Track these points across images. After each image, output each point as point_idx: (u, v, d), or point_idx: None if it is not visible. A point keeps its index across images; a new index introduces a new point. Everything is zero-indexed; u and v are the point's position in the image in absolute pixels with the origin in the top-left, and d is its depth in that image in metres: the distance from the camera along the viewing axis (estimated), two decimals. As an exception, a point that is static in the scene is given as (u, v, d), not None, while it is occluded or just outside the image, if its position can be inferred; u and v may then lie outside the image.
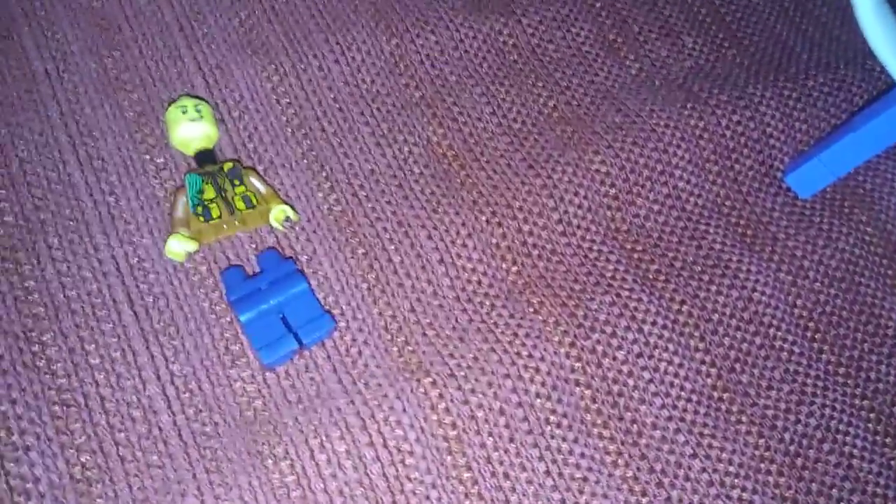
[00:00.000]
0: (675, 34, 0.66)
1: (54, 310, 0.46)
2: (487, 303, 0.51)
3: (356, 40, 0.59)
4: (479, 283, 0.52)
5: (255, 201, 0.48)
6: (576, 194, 0.55)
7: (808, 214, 0.58)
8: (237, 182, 0.48)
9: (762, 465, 0.49)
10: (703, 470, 0.48)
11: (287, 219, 0.49)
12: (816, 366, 0.53)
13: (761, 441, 0.50)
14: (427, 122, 0.57)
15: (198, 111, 0.49)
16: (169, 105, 0.50)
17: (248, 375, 0.46)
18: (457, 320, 0.50)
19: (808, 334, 0.54)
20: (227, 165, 0.49)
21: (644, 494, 0.47)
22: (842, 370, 0.53)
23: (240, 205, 0.47)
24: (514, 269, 0.52)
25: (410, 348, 0.49)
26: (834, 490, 0.49)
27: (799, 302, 0.54)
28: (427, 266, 0.51)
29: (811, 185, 0.58)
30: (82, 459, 0.43)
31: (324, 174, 0.53)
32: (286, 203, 0.49)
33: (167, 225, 0.49)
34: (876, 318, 0.55)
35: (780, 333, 0.53)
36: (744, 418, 0.50)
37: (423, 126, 0.57)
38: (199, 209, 0.47)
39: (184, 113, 0.49)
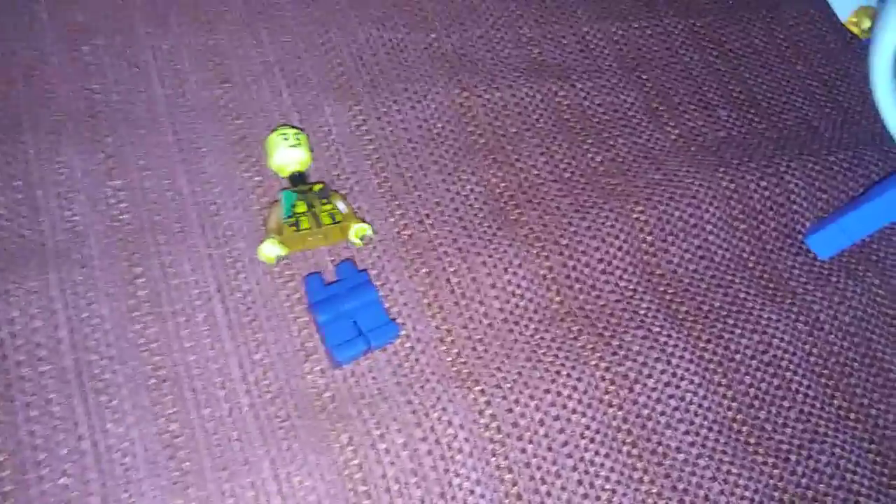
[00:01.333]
0: (711, 107, 0.73)
1: (156, 297, 0.52)
2: (532, 326, 0.57)
3: (430, 91, 0.67)
4: (526, 308, 0.58)
5: (338, 218, 0.55)
6: (616, 238, 0.62)
7: (825, 274, 0.64)
8: (325, 201, 0.55)
9: (775, 494, 0.54)
10: (722, 493, 0.53)
11: (364, 236, 0.55)
12: (828, 409, 0.58)
13: (776, 472, 0.54)
14: (488, 167, 0.64)
15: (297, 139, 0.57)
16: (271, 133, 0.58)
17: (319, 370, 0.52)
18: (504, 339, 0.56)
19: (822, 380, 0.59)
20: (318, 186, 0.56)
21: (665, 510, 0.52)
22: (852, 415, 0.58)
23: (326, 220, 0.54)
24: (558, 298, 0.59)
25: (462, 360, 0.55)
26: (841, 523, 0.53)
27: (815, 350, 0.60)
28: (481, 289, 0.58)
29: (829, 248, 0.64)
30: (171, 427, 0.49)
31: (396, 203, 0.60)
32: (365, 222, 0.56)
33: (260, 233, 0.56)
34: (885, 372, 0.60)
35: (796, 377, 0.58)
36: (760, 450, 0.55)
37: (483, 169, 0.64)
38: (292, 220, 0.54)
39: (284, 139, 0.56)
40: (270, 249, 0.53)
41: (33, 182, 0.55)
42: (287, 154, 0.56)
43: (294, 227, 0.54)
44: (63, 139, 0.57)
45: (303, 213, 0.54)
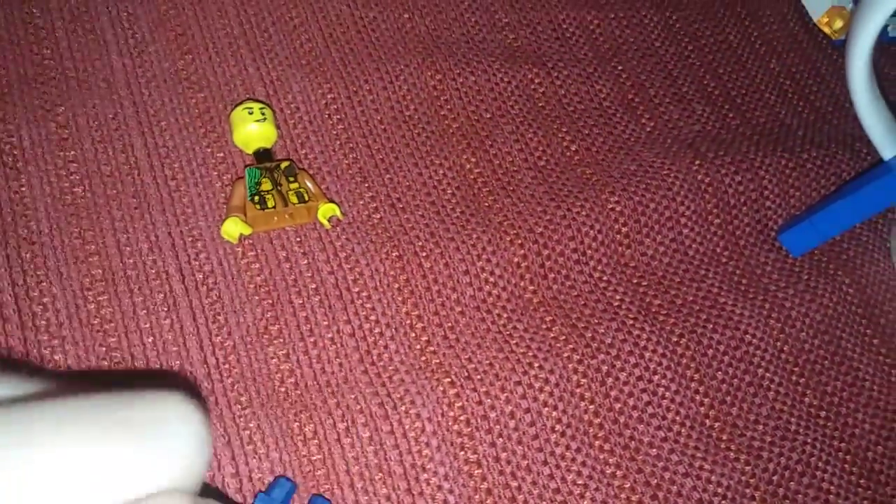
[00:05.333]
0: (686, 101, 0.72)
1: (111, 274, 0.49)
2: (505, 315, 0.55)
3: (403, 72, 0.65)
4: (499, 296, 0.56)
5: (306, 198, 0.52)
6: (591, 228, 0.60)
7: (797, 271, 0.63)
8: (292, 179, 0.53)
9: (747, 491, 0.53)
10: (694, 489, 0.52)
11: (332, 216, 0.53)
12: (799, 407, 0.57)
13: (748, 468, 0.54)
14: (462, 151, 0.62)
15: (262, 114, 0.54)
16: (235, 107, 0.55)
17: (283, 354, 0.50)
18: (476, 328, 0.54)
19: (794, 378, 0.58)
20: (284, 164, 0.53)
21: (637, 505, 0.51)
22: (822, 413, 0.57)
23: (293, 199, 0.52)
24: (532, 288, 0.57)
25: (432, 349, 0.53)
26: (810, 521, 0.53)
27: (786, 348, 0.59)
28: (453, 276, 0.56)
29: (802, 245, 0.63)
30: (122, 415, 0.46)
31: (366, 185, 0.58)
32: (333, 202, 0.54)
33: (222, 211, 0.53)
34: (854, 371, 0.60)
35: (767, 374, 0.58)
36: (732, 447, 0.54)
37: (457, 154, 0.62)
38: (256, 198, 0.51)
39: (250, 114, 0.54)
40: (233, 227, 0.50)
41: (-24, 149, 0.51)
42: (252, 129, 0.53)
43: (259, 206, 0.51)
44: (9, 107, 0.53)
45: (268, 190, 0.52)
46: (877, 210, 0.60)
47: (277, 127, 0.58)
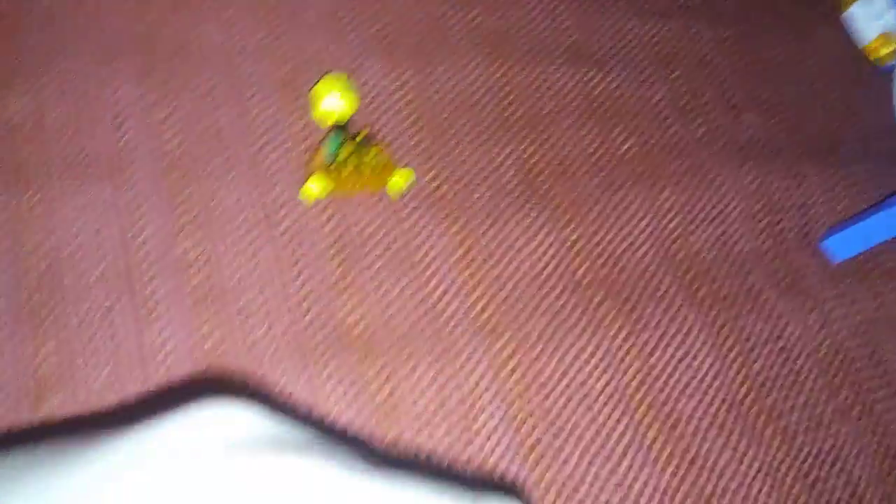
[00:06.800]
0: (736, 110, 0.75)
1: (203, 220, 0.53)
2: (557, 290, 0.58)
3: (470, 64, 0.69)
4: (552, 273, 0.59)
5: (380, 167, 0.56)
6: (642, 219, 0.63)
7: (839, 276, 0.66)
8: (367, 149, 0.57)
9: (779, 474, 0.55)
10: (729, 463, 0.54)
11: (409, 182, 0.57)
12: (834, 401, 0.59)
13: (779, 453, 0.56)
14: (522, 139, 0.66)
15: (344, 85, 0.58)
16: (317, 81, 0.60)
17: (352, 304, 0.53)
18: (531, 299, 0.57)
19: (830, 374, 0.60)
20: (362, 134, 0.57)
21: (675, 474, 0.53)
22: (856, 409, 0.59)
23: (368, 166, 0.56)
24: (583, 267, 0.60)
25: (490, 312, 0.56)
26: (840, 508, 0.55)
27: (824, 345, 0.61)
28: (510, 249, 0.59)
29: (844, 251, 0.66)
30: (208, 345, 0.49)
31: (432, 162, 0.62)
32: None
33: (300, 175, 0.57)
34: (891, 373, 0.62)
35: (805, 367, 0.60)
36: (768, 430, 0.56)
37: (518, 141, 0.66)
38: (335, 164, 0.55)
39: (334, 83, 0.58)
40: (314, 187, 0.54)
41: (87, 103, 0.56)
42: (334, 103, 0.58)
43: (337, 171, 0.55)
44: (115, 69, 0.58)
45: (346, 157, 0.55)
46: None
47: (357, 100, 0.62)
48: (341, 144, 0.56)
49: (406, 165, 0.60)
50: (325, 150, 0.55)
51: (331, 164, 0.56)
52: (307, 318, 0.51)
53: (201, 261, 0.52)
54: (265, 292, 0.52)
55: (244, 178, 0.56)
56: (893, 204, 0.64)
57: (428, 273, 0.56)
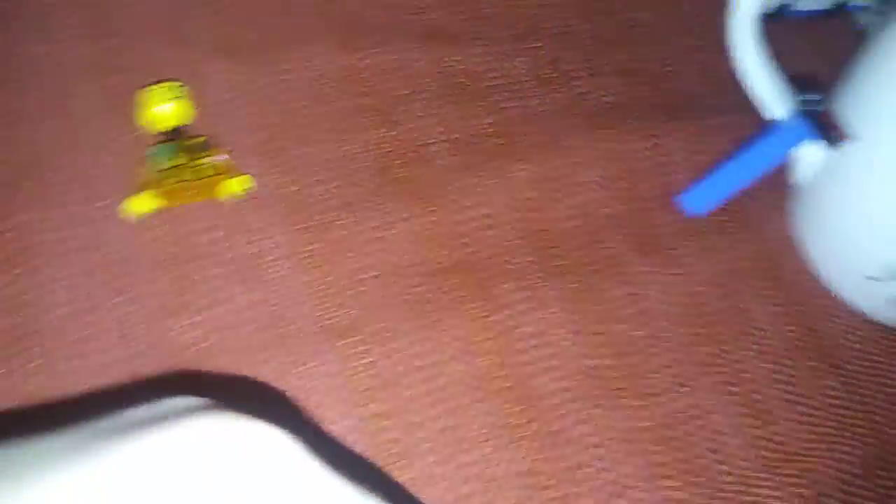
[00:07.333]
0: (599, 75, 0.76)
1: (31, 249, 0.52)
2: (417, 278, 0.59)
3: (321, 53, 0.68)
4: (412, 261, 0.59)
5: (220, 170, 0.55)
6: (502, 194, 0.64)
7: (698, 231, 0.67)
8: (206, 154, 0.56)
9: (644, 434, 0.57)
10: (592, 433, 0.56)
11: (247, 188, 0.56)
12: (695, 356, 0.61)
13: (644, 413, 0.57)
14: (377, 126, 0.66)
15: (176, 93, 0.57)
16: (150, 86, 0.58)
17: (187, 324, 0.53)
18: (386, 291, 0.58)
19: (691, 329, 0.62)
20: (198, 140, 0.56)
21: (539, 453, 0.54)
22: (718, 361, 0.61)
23: (207, 171, 0.55)
24: (444, 252, 0.60)
25: (341, 312, 0.56)
26: (701, 460, 0.57)
27: (683, 301, 0.63)
28: (364, 243, 0.59)
29: (699, 206, 0.67)
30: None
31: (281, 160, 0.61)
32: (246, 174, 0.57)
33: (128, 186, 0.56)
34: (749, 321, 0.64)
35: (664, 325, 0.62)
36: (629, 394, 0.58)
37: (373, 128, 0.65)
38: (170, 172, 0.54)
39: (164, 93, 0.56)
40: (139, 202, 0.53)
41: None
42: (167, 107, 0.56)
43: (168, 183, 0.54)
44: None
45: (183, 164, 0.54)
46: (766, 168, 0.64)
47: (191, 106, 0.60)
48: (172, 155, 0.55)
49: (249, 168, 0.59)
50: (154, 163, 0.54)
51: (160, 176, 0.54)
52: (133, 345, 0.51)
53: (20, 300, 0.51)
54: (96, 314, 0.51)
55: (72, 198, 0.55)
56: (740, 154, 0.65)
57: (273, 277, 0.55)
